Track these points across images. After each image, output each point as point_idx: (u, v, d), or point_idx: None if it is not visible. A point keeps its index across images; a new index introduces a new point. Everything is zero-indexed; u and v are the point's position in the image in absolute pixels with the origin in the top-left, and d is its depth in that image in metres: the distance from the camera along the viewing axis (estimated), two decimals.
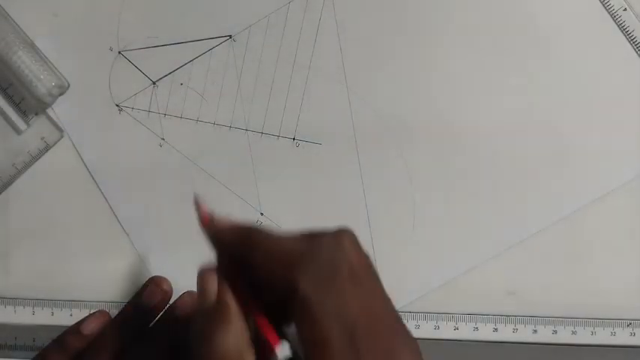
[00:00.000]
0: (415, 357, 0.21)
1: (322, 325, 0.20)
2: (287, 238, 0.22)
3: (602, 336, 0.34)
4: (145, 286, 0.34)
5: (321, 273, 0.20)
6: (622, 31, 0.33)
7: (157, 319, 0.33)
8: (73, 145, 0.35)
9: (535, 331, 0.34)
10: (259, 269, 0.21)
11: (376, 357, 0.20)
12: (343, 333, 0.20)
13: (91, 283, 0.35)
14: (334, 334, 0.20)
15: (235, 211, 0.34)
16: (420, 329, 0.35)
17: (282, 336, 0.21)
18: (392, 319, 0.21)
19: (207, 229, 0.23)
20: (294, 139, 0.34)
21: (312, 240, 0.21)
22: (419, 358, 0.21)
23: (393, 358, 0.20)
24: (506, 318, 0.35)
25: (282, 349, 0.21)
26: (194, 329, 0.22)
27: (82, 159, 0.35)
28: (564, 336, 0.34)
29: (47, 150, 0.35)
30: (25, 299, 0.35)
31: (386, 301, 0.21)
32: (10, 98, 0.34)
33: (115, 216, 0.35)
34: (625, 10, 0.33)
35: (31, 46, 0.34)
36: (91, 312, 0.34)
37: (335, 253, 0.21)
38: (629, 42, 0.33)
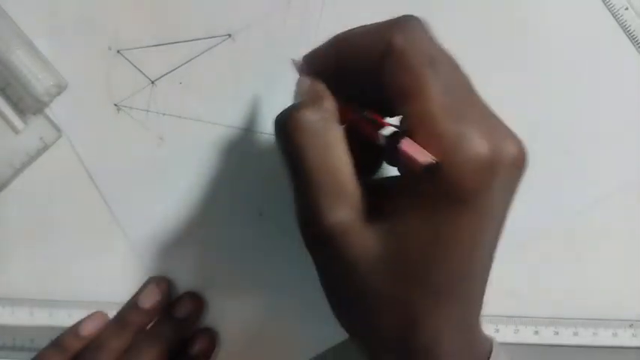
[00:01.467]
0: (518, 145, 0.21)
1: (418, 71, 0.20)
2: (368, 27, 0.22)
3: (604, 337, 0.34)
4: (144, 286, 0.34)
5: (411, 31, 0.21)
6: (623, 30, 0.33)
7: (156, 319, 0.33)
8: (71, 145, 0.35)
9: (537, 332, 0.34)
10: (352, 63, 0.22)
11: (474, 115, 0.20)
12: (439, 83, 0.20)
13: (90, 283, 0.35)
14: (430, 81, 0.20)
15: (234, 210, 0.34)
16: None
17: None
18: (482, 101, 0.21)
19: (308, 68, 0.25)
20: None
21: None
22: (521, 146, 0.21)
23: (490, 120, 0.20)
24: (508, 319, 0.34)
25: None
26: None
27: (79, 158, 0.35)
28: (566, 337, 0.34)
29: (45, 149, 0.35)
30: (23, 300, 0.35)
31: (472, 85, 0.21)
32: (7, 97, 0.34)
33: (113, 216, 0.35)
34: (627, 9, 0.33)
35: (29, 45, 0.33)
36: (90, 313, 0.34)
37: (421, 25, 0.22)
38: (631, 41, 0.33)
